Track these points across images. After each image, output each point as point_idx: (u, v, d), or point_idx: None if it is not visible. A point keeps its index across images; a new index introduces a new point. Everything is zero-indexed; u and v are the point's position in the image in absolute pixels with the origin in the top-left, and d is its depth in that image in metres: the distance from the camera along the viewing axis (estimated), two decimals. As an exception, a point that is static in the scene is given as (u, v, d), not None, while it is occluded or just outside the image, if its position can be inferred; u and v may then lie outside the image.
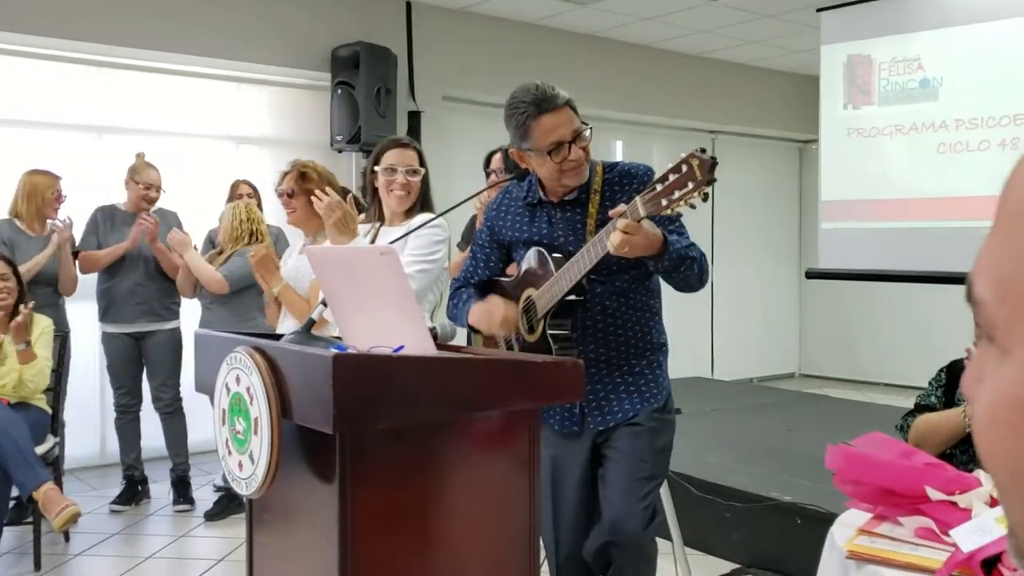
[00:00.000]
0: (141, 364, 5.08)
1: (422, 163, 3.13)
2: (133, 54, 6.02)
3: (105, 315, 5.03)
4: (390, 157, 3.07)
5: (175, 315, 5.12)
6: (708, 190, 2.16)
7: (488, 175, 4.42)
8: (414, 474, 1.96)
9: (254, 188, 5.41)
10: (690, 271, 2.44)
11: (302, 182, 3.55)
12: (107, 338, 5.05)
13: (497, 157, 4.41)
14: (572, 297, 2.46)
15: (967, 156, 5.26)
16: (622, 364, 2.58)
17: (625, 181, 2.56)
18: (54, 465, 4.28)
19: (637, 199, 2.24)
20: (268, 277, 3.51)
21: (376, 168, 3.09)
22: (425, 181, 3.15)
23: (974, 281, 0.46)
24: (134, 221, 4.98)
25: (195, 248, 4.90)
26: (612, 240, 2.25)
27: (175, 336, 5.08)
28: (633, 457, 2.54)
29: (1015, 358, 0.44)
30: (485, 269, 2.80)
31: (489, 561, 2.09)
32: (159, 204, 5.13)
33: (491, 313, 2.59)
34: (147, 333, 5.01)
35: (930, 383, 2.89)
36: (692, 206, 2.19)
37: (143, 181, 5.01)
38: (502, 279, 2.77)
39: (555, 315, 2.49)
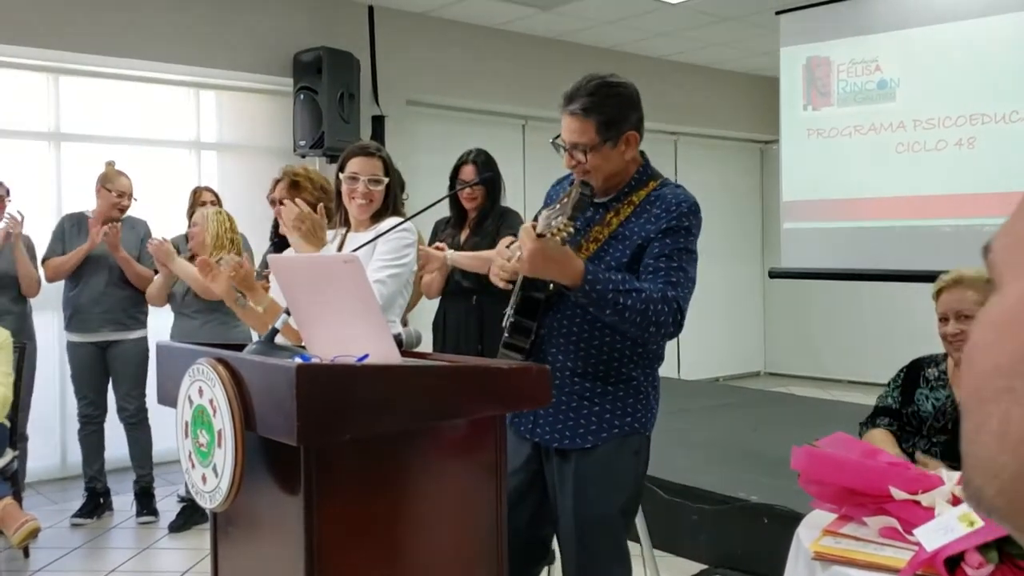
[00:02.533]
0: (106, 374, 5.00)
1: (388, 171, 3.10)
2: (92, 60, 5.95)
3: (70, 323, 4.96)
4: (353, 165, 3.05)
5: (142, 324, 5.05)
6: (571, 227, 2.10)
7: (454, 184, 4.35)
8: (381, 484, 1.95)
9: (216, 195, 5.36)
10: (619, 316, 2.24)
11: (294, 191, 3.49)
12: (72, 347, 4.98)
13: (468, 168, 4.30)
14: (536, 294, 2.36)
15: (925, 156, 5.33)
16: (575, 381, 2.41)
17: (656, 204, 2.40)
18: (13, 479, 4.21)
19: (544, 212, 2.17)
20: (251, 293, 3.44)
21: (341, 176, 3.07)
22: (392, 187, 3.13)
23: (993, 241, 0.53)
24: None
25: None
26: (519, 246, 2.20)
27: (141, 345, 5.00)
28: (566, 496, 2.40)
29: (1004, 286, 0.50)
30: None
31: (457, 568, 2.08)
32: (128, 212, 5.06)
33: (494, 262, 2.49)
34: (113, 342, 4.94)
35: (889, 383, 2.92)
36: (567, 233, 2.12)
37: (115, 189, 4.94)
38: None
39: (521, 307, 2.41)
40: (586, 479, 2.38)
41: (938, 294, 2.73)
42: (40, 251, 4.98)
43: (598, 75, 2.41)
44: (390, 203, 3.11)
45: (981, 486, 0.49)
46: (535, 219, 2.25)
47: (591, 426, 2.39)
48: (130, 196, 5.00)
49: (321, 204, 3.48)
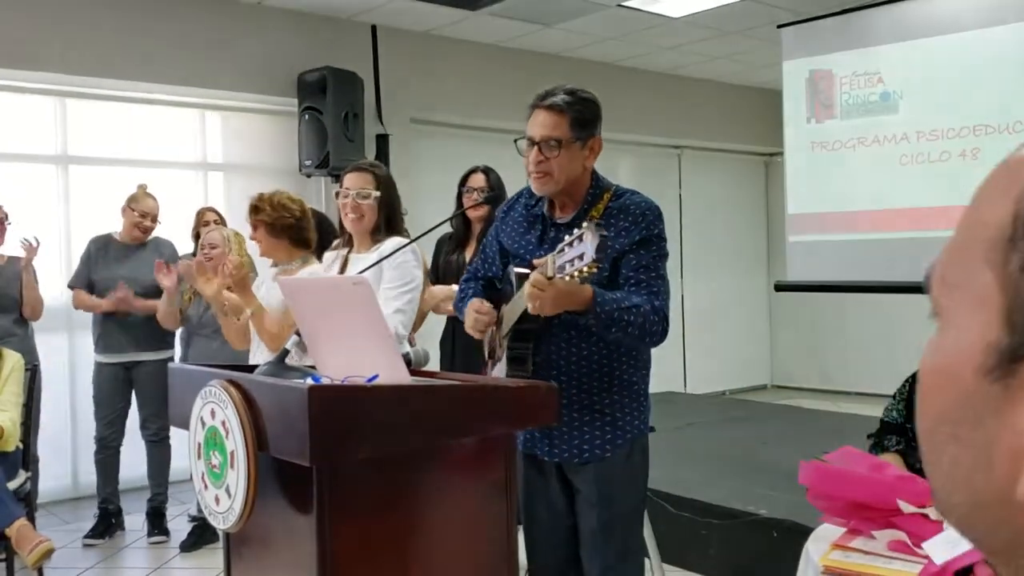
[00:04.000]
0: (130, 397, 5.04)
1: (381, 186, 3.11)
2: (98, 83, 6.00)
3: (98, 344, 5.01)
4: (346, 181, 3.11)
5: (169, 345, 5.09)
6: (594, 268, 2.07)
7: (463, 194, 4.37)
8: (392, 503, 1.97)
9: (220, 215, 5.40)
10: (623, 332, 2.30)
11: (254, 215, 3.57)
12: (99, 368, 5.02)
13: (478, 176, 4.35)
14: (527, 325, 2.37)
15: (929, 167, 5.34)
16: (583, 398, 2.46)
17: (621, 216, 2.43)
18: (26, 500, 4.22)
19: (549, 257, 2.16)
20: (244, 296, 3.45)
21: (337, 192, 3.14)
22: (388, 204, 3.13)
23: (930, 271, 0.56)
24: (128, 252, 5.00)
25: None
26: (523, 295, 2.20)
27: (167, 366, 5.03)
28: (590, 504, 2.48)
29: (942, 328, 0.52)
30: (491, 266, 2.72)
31: (469, 586, 2.10)
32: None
33: (468, 315, 2.52)
34: (139, 363, 4.99)
35: (894, 396, 2.93)
36: (591, 273, 2.09)
37: (138, 209, 4.99)
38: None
39: (514, 338, 2.44)
40: (607, 484, 2.47)
41: None
42: (44, 275, 5.01)
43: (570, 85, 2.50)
44: (382, 220, 3.11)
45: (945, 517, 0.54)
46: (525, 265, 2.27)
47: (606, 435, 2.47)
48: (154, 218, 5.05)
49: (314, 217, 3.63)
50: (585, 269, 2.08)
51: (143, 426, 5.02)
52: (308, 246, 3.61)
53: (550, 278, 2.14)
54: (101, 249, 5.05)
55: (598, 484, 2.46)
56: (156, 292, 5.00)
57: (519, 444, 2.59)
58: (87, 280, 5.00)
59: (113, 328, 4.94)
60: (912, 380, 2.90)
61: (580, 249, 2.08)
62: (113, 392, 4.99)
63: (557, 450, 2.50)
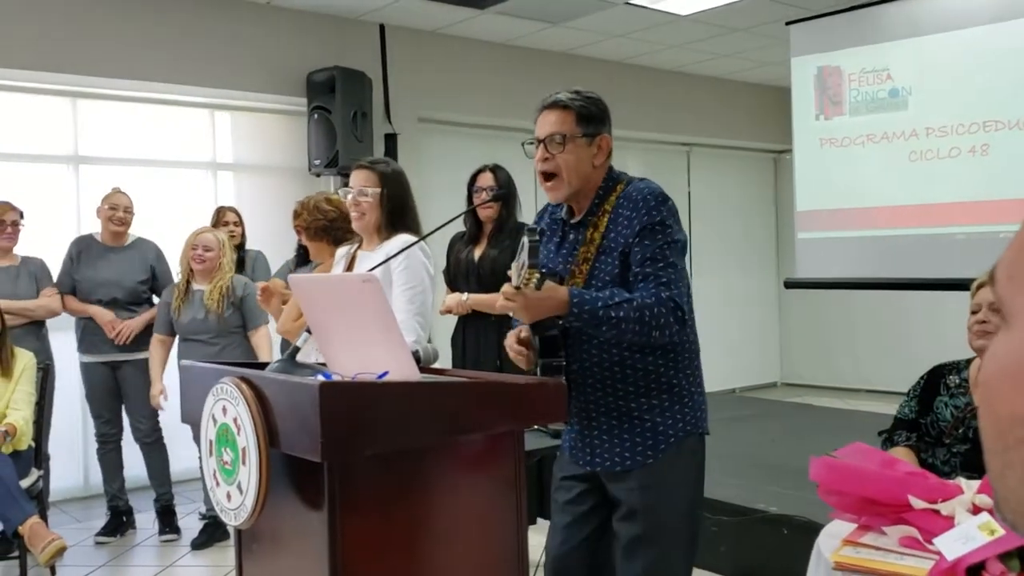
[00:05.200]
0: (119, 394, 5.05)
1: (384, 182, 3.07)
2: (108, 84, 6.02)
3: (81, 344, 5.02)
4: (351, 180, 3.12)
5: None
6: (536, 274, 2.10)
7: (473, 193, 4.38)
8: (402, 499, 1.97)
9: (239, 214, 5.43)
10: (617, 329, 2.23)
11: (295, 220, 3.77)
12: (84, 367, 5.03)
13: (486, 175, 4.36)
14: (551, 333, 2.32)
15: (938, 164, 5.32)
16: (620, 405, 2.38)
17: (628, 206, 2.37)
18: (38, 499, 4.25)
19: (514, 265, 2.17)
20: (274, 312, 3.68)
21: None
22: (392, 200, 3.11)
23: (997, 267, 0.54)
24: (110, 252, 5.00)
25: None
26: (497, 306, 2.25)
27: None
28: (630, 513, 2.39)
29: (1013, 326, 0.51)
30: None
31: (479, 582, 2.10)
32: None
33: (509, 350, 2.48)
34: (123, 362, 4.98)
35: (908, 392, 2.93)
36: (537, 278, 2.11)
37: (108, 202, 5.00)
38: None
39: (543, 351, 2.34)
40: (649, 491, 2.38)
41: (976, 289, 2.76)
42: (56, 274, 5.03)
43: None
44: (384, 217, 3.06)
45: (1014, 522, 0.52)
46: (509, 272, 2.24)
47: (647, 441, 2.38)
48: (127, 209, 5.01)
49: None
50: (527, 277, 2.09)
51: (134, 428, 5.02)
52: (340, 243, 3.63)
53: (517, 287, 2.13)
54: (85, 250, 5.04)
55: (640, 492, 2.38)
56: (139, 295, 5.01)
57: (566, 451, 2.54)
58: (71, 283, 4.98)
59: (93, 328, 4.95)
60: (927, 376, 2.90)
61: (523, 257, 2.09)
62: (104, 390, 5.01)
63: (599, 459, 2.42)
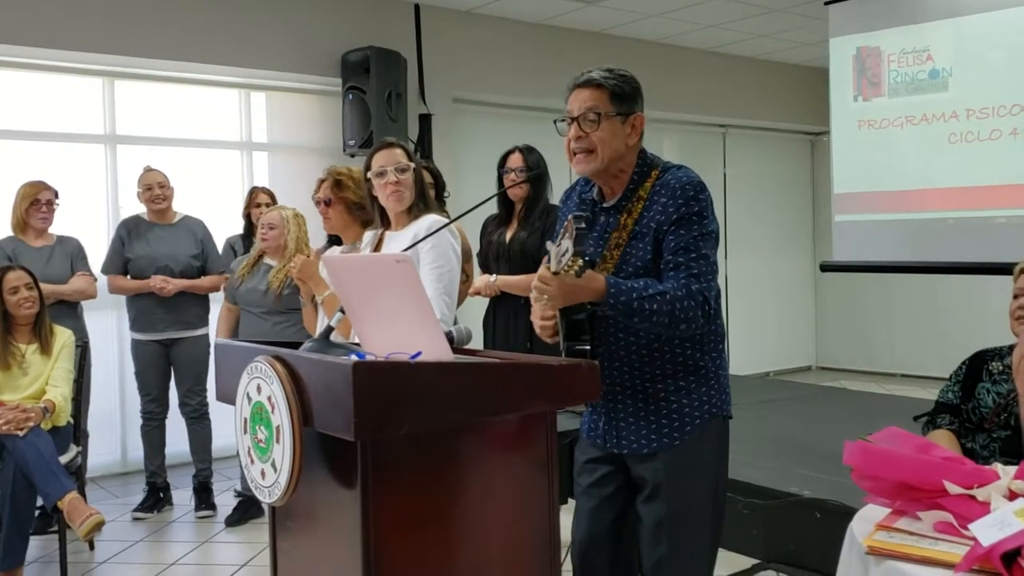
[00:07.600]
0: (169, 372, 5.13)
1: (411, 159, 3.10)
2: (143, 64, 6.07)
3: (135, 324, 5.09)
4: (378, 160, 3.06)
5: (204, 322, 5.17)
6: (579, 262, 2.05)
7: (503, 175, 4.37)
8: (434, 478, 1.98)
9: (271, 195, 5.45)
10: (647, 321, 2.23)
11: (337, 190, 3.52)
12: (136, 345, 5.10)
13: (516, 156, 4.35)
14: (577, 316, 2.29)
15: (978, 146, 5.24)
16: (647, 387, 2.38)
17: (665, 194, 2.34)
18: (77, 474, 4.32)
19: (553, 250, 2.13)
20: (314, 284, 3.58)
21: (369, 175, 3.09)
22: (420, 178, 3.12)
23: None
24: (160, 231, 5.08)
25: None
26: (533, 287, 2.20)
27: (203, 343, 5.13)
28: (655, 494, 2.39)
29: None
30: None
31: (511, 562, 2.11)
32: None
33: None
34: (176, 340, 5.06)
35: (950, 377, 2.89)
36: (579, 267, 2.07)
37: (142, 184, 5.08)
38: None
39: (569, 334, 2.32)
40: (675, 471, 2.38)
41: (1020, 273, 2.73)
42: (93, 254, 5.09)
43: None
44: (415, 194, 3.06)
45: None
46: (547, 255, 2.21)
47: (674, 423, 2.38)
48: (162, 185, 5.08)
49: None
50: (570, 264, 2.06)
51: (183, 403, 5.10)
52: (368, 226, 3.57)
53: (555, 272, 2.11)
54: (133, 230, 5.11)
55: (666, 472, 2.37)
56: (193, 269, 5.06)
57: (584, 434, 2.55)
58: (122, 263, 5.05)
59: (149, 306, 5.01)
60: (969, 361, 2.86)
61: (567, 243, 2.07)
62: (153, 368, 5.08)
63: (624, 441, 2.42)
